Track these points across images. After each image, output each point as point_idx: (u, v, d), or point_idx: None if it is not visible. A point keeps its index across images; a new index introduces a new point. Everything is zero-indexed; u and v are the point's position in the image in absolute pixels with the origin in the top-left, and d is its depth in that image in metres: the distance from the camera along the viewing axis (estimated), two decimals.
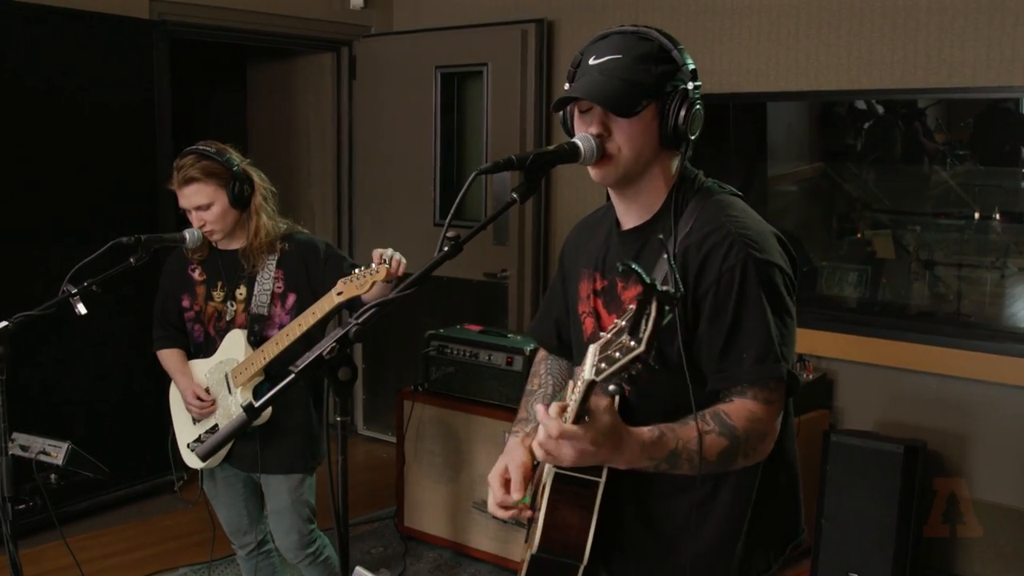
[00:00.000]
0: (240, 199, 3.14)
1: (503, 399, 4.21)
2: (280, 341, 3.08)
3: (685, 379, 1.78)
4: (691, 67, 1.90)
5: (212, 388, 3.27)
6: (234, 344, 3.21)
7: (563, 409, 1.61)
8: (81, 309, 2.69)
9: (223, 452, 3.25)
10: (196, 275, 3.29)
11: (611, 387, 1.46)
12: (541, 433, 1.60)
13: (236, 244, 3.24)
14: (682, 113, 1.85)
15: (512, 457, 2.06)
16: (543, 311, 2.37)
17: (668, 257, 1.82)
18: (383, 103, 5.89)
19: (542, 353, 2.40)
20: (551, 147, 1.81)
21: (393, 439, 5.07)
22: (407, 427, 4.48)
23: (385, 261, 2.90)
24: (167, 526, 4.84)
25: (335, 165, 6.21)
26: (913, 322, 4.42)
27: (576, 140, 1.83)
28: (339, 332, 1.52)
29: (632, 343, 1.38)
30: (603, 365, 1.46)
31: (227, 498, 3.39)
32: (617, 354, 1.43)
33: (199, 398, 3.23)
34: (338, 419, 1.61)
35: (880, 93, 4.45)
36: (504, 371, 4.22)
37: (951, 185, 5.63)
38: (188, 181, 3.08)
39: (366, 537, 4.72)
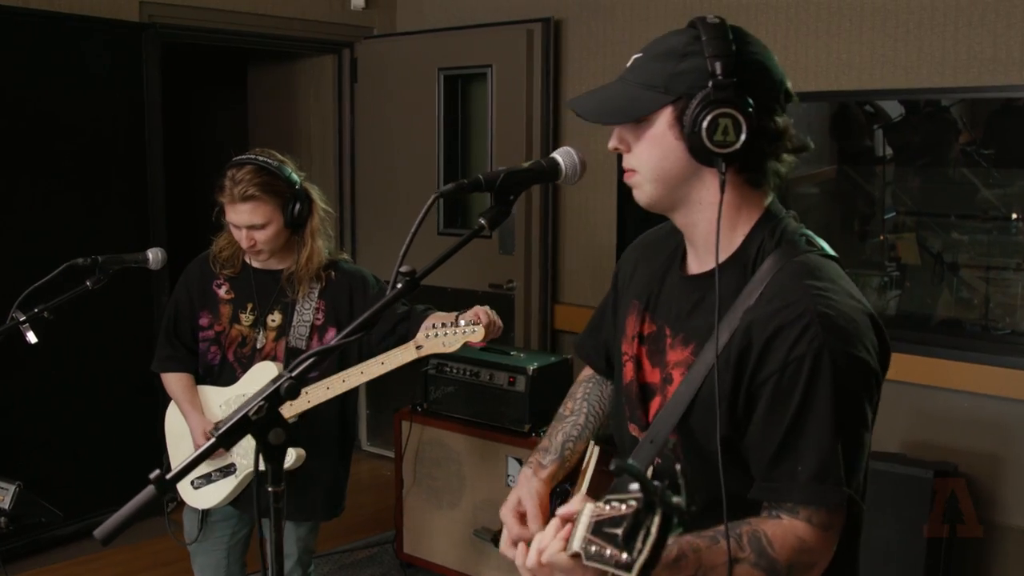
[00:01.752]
0: (297, 221, 2.88)
1: (505, 421, 3.98)
2: (333, 387, 2.76)
3: (727, 474, 1.49)
4: (731, 59, 1.51)
5: None
6: (265, 377, 2.89)
7: (566, 521, 1.32)
8: (31, 338, 2.47)
9: (231, 495, 2.99)
10: (222, 292, 2.99)
11: None
12: (532, 555, 1.34)
13: (277, 264, 2.97)
14: (696, 118, 1.49)
15: (525, 489, 1.83)
16: (592, 326, 2.05)
17: (715, 346, 1.51)
18: (385, 106, 5.67)
19: (586, 372, 2.11)
20: (526, 164, 1.56)
21: (391, 453, 4.86)
22: (406, 448, 4.26)
23: (481, 320, 2.60)
24: (157, 551, 4.62)
25: (336, 169, 6.00)
26: (940, 336, 4.18)
27: (556, 155, 1.58)
28: (267, 388, 1.29)
29: (623, 556, 1.08)
30: (592, 548, 1.16)
31: (217, 543, 3.10)
32: (607, 551, 1.12)
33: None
34: (269, 489, 1.38)
35: (902, 93, 4.20)
36: (506, 391, 3.99)
37: (976, 186, 5.42)
38: (247, 199, 2.79)
39: (364, 563, 4.51)
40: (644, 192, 1.61)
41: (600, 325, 2.02)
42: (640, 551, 1.04)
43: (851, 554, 1.62)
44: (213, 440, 1.27)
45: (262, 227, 2.83)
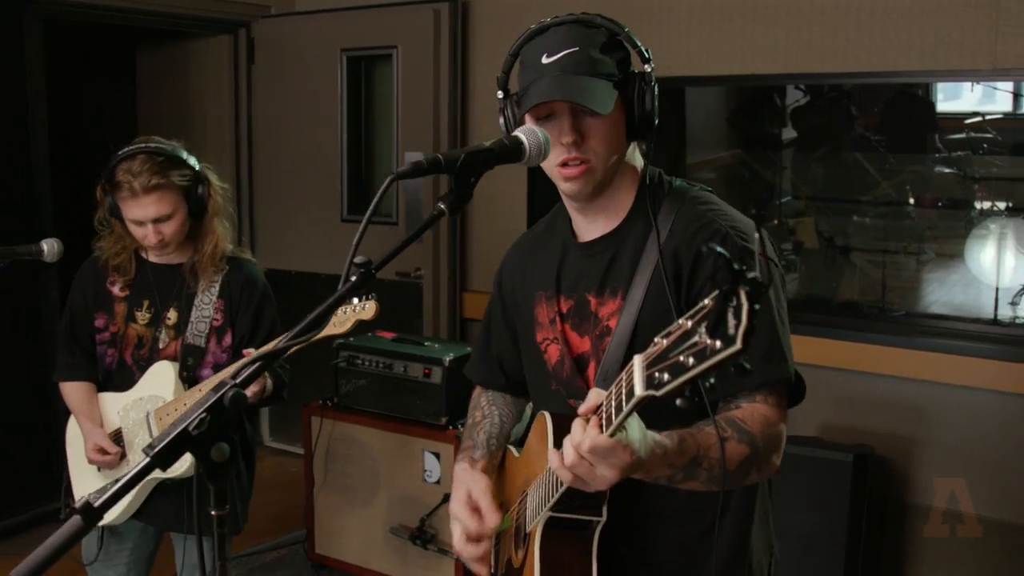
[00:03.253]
0: (200, 208, 2.69)
1: (420, 414, 3.85)
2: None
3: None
4: (642, 48, 1.76)
5: (127, 429, 2.75)
6: (161, 379, 2.71)
7: (587, 417, 1.40)
8: None
9: (131, 507, 2.77)
10: (116, 290, 2.78)
11: (678, 402, 1.17)
12: (570, 453, 1.38)
13: (174, 257, 2.77)
14: (647, 99, 1.71)
15: (473, 483, 1.87)
16: (480, 350, 2.15)
17: (660, 263, 1.68)
18: (285, 89, 5.44)
19: (479, 388, 2.18)
20: (487, 144, 1.47)
21: (299, 449, 4.67)
22: (316, 445, 4.09)
23: (370, 298, 2.47)
24: (50, 571, 4.36)
25: (234, 155, 5.72)
26: (839, 318, 4.24)
27: (519, 134, 1.51)
28: (208, 399, 1.14)
29: (717, 343, 1.07)
30: (664, 376, 1.16)
31: (122, 557, 2.87)
32: (690, 360, 1.12)
33: (103, 450, 2.71)
34: (212, 513, 1.23)
35: (801, 78, 4.23)
36: (421, 383, 3.85)
37: (871, 171, 5.53)
38: (151, 189, 2.57)
39: (274, 565, 4.32)
40: (594, 179, 1.71)
41: (488, 344, 2.11)
42: (739, 325, 1.05)
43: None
44: (147, 460, 1.11)
45: (169, 218, 2.64)
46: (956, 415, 3.81)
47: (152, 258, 2.79)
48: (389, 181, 1.33)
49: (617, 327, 1.73)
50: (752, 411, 1.61)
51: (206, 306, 2.74)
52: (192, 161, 2.71)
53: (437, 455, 3.81)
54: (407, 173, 1.35)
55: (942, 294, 5.08)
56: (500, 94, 1.83)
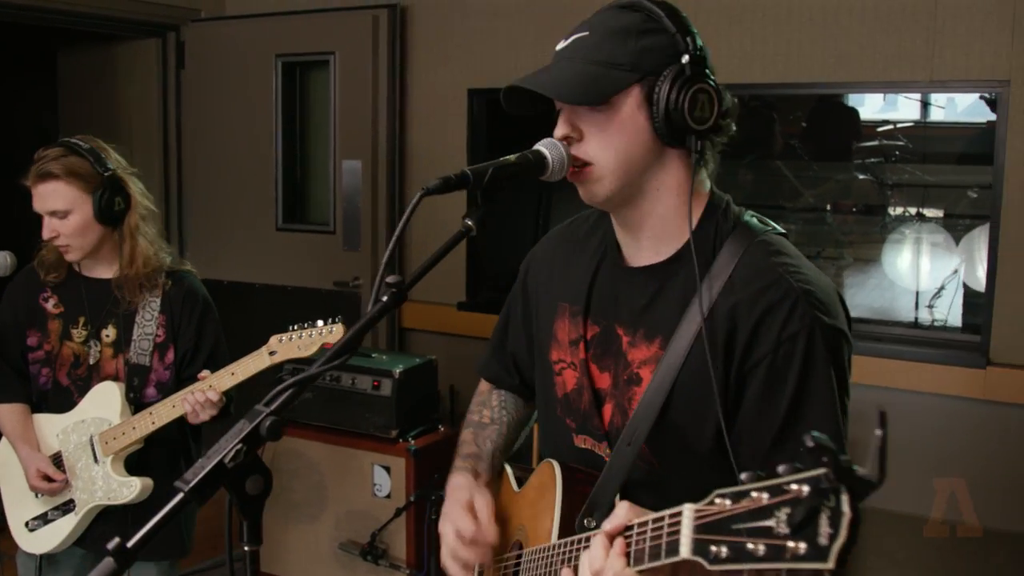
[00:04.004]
0: (108, 213, 2.55)
1: (370, 427, 3.78)
2: (177, 404, 2.48)
3: (711, 470, 1.42)
4: (691, 34, 1.47)
5: (68, 453, 2.63)
6: (106, 400, 2.60)
7: (613, 537, 1.22)
8: None
9: (72, 535, 2.65)
10: (50, 306, 2.67)
11: None
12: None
13: (103, 272, 2.66)
14: (674, 95, 1.42)
15: (479, 498, 1.69)
16: (495, 346, 1.94)
17: (701, 315, 1.43)
18: (217, 95, 5.30)
19: (486, 384, 1.99)
20: (511, 158, 1.40)
21: None
22: None
23: (336, 321, 2.42)
24: None
25: (162, 163, 5.56)
26: None
27: (541, 148, 1.43)
28: (244, 427, 1.08)
29: (801, 546, 0.92)
30: (723, 551, 0.99)
31: None
32: (760, 548, 0.95)
33: (48, 477, 2.59)
34: (245, 549, 1.17)
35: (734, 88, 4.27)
36: (370, 396, 3.79)
37: (789, 178, 5.65)
38: (44, 177, 2.49)
39: None
40: (603, 187, 1.48)
41: (504, 341, 1.92)
42: (832, 536, 0.89)
43: None
44: (182, 495, 1.05)
45: (64, 215, 2.53)
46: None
47: (85, 271, 2.68)
48: (419, 197, 1.28)
49: (652, 382, 1.50)
50: None
51: (148, 322, 2.64)
52: (108, 165, 2.59)
53: (387, 469, 3.75)
54: (437, 188, 1.30)
55: (862, 298, 5.21)
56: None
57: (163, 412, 2.52)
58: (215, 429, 5.69)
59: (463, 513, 1.67)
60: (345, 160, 4.94)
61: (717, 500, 1.03)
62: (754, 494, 0.97)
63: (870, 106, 5.69)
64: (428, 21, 4.84)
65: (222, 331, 2.77)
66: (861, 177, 5.75)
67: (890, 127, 5.91)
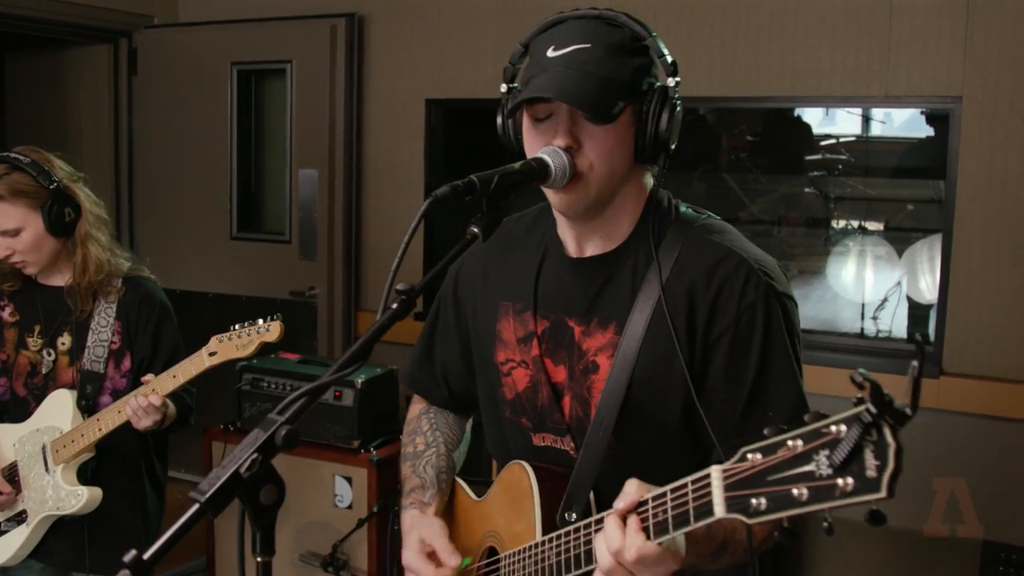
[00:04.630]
0: (60, 225, 2.53)
1: (331, 437, 3.76)
2: (122, 409, 2.45)
3: (675, 450, 1.49)
4: (670, 59, 1.56)
5: (23, 463, 2.60)
6: (59, 408, 2.57)
7: (626, 513, 1.25)
8: None
9: (25, 546, 2.60)
10: (6, 315, 2.66)
11: (776, 535, 1.05)
12: (606, 559, 1.25)
13: (60, 280, 2.64)
14: (664, 117, 1.51)
15: (426, 528, 1.69)
16: (421, 354, 1.93)
17: (661, 296, 1.49)
18: (169, 102, 5.24)
19: (418, 406, 1.98)
20: (516, 166, 1.42)
21: (199, 478, 4.48)
22: None
23: (275, 318, 2.38)
24: None
25: (113, 171, 5.48)
26: None
27: (543, 156, 1.45)
28: (258, 437, 1.08)
29: (849, 482, 0.94)
30: (762, 503, 1.02)
31: None
32: (803, 492, 0.98)
33: None
34: (257, 560, 1.17)
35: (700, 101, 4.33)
36: (332, 407, 3.76)
37: (735, 190, 5.75)
38: None
39: None
40: (588, 196, 1.52)
41: (430, 350, 1.92)
42: (881, 467, 0.91)
43: None
44: (198, 506, 1.05)
45: (15, 233, 2.51)
46: None
47: (41, 279, 2.66)
48: (427, 204, 1.29)
49: (612, 369, 1.54)
50: None
51: (103, 329, 2.61)
52: (53, 177, 2.56)
53: (349, 479, 3.73)
54: (445, 196, 1.30)
55: (807, 309, 5.31)
56: (504, 87, 1.63)
57: (109, 418, 2.48)
58: (183, 448, 5.60)
59: (417, 557, 1.68)
60: (301, 169, 4.91)
61: (749, 456, 1.05)
62: (789, 443, 1.00)
63: (812, 119, 5.81)
64: (386, 30, 4.84)
65: (180, 337, 2.74)
66: (806, 190, 5.86)
67: (833, 141, 6.04)
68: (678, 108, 1.53)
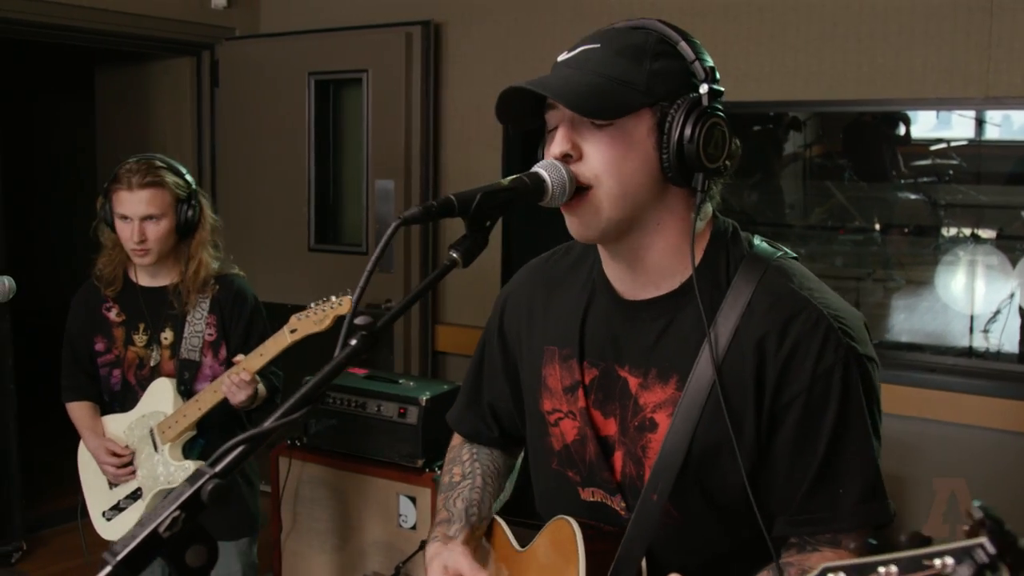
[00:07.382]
0: (185, 226, 2.79)
1: (395, 456, 3.66)
2: (218, 389, 2.68)
3: (729, 523, 1.33)
4: (708, 64, 1.36)
5: (134, 446, 2.85)
6: (160, 395, 2.82)
7: None
8: None
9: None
10: (112, 315, 2.90)
11: None
12: None
13: (161, 280, 2.88)
14: (688, 128, 1.30)
15: (447, 554, 1.56)
16: (468, 395, 1.78)
17: (712, 352, 1.30)
18: (250, 113, 5.24)
19: (459, 437, 1.84)
20: (505, 182, 1.27)
21: (268, 490, 4.46)
22: (284, 489, 3.89)
23: (346, 292, 2.60)
24: None
25: (195, 181, 5.50)
26: None
27: (539, 169, 1.30)
28: (184, 492, 0.96)
29: None
30: None
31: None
32: None
33: (114, 453, 2.81)
34: None
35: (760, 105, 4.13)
36: (396, 424, 3.66)
37: (839, 198, 5.48)
38: (146, 185, 2.71)
39: None
40: (601, 216, 1.35)
41: (479, 393, 1.76)
42: None
43: None
44: (110, 568, 0.93)
45: (157, 219, 2.75)
46: (931, 451, 3.69)
47: (141, 281, 2.90)
48: (395, 226, 1.14)
49: (672, 427, 1.37)
50: (834, 558, 1.28)
51: (198, 321, 2.85)
52: (189, 178, 2.87)
53: (413, 499, 3.62)
54: (415, 217, 1.16)
55: (913, 322, 5.02)
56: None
57: (207, 398, 2.74)
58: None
59: None
60: (378, 180, 4.84)
61: (880, 570, 0.85)
62: (881, 569, 0.82)
63: (923, 124, 5.51)
64: (461, 37, 4.73)
65: (269, 327, 2.92)
66: (913, 197, 5.57)
67: (943, 146, 5.73)
68: (712, 119, 1.33)
